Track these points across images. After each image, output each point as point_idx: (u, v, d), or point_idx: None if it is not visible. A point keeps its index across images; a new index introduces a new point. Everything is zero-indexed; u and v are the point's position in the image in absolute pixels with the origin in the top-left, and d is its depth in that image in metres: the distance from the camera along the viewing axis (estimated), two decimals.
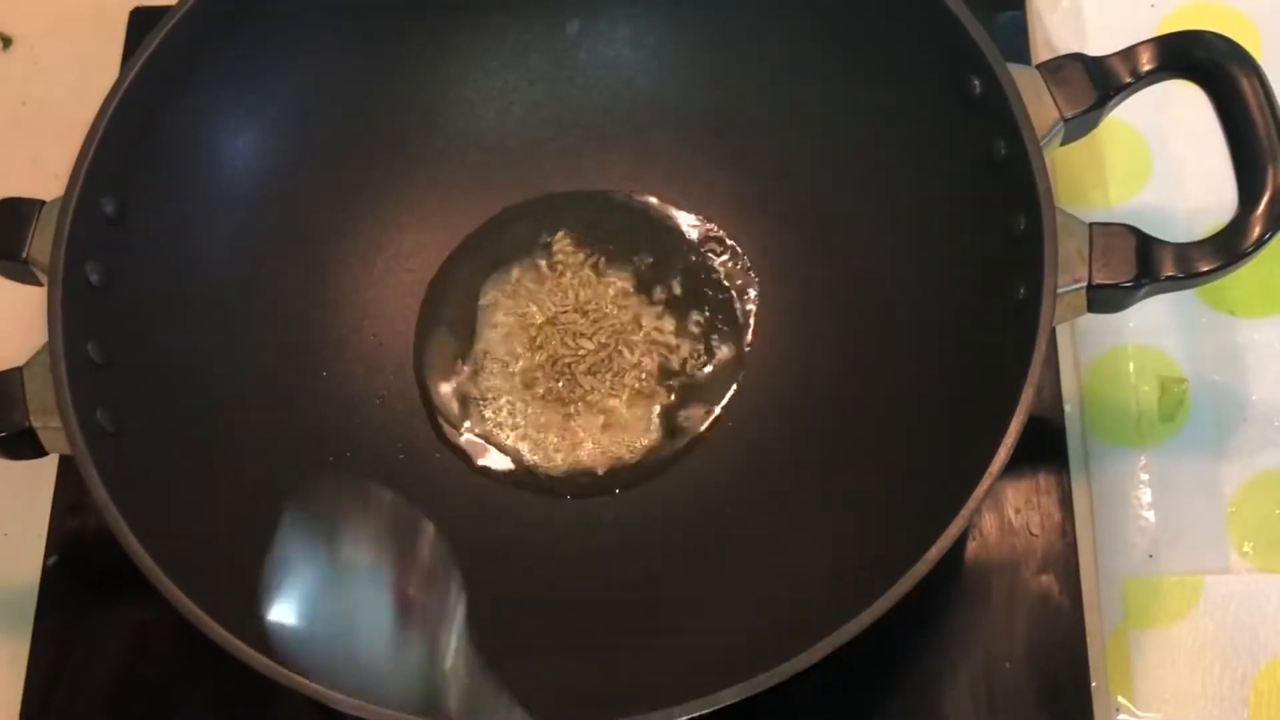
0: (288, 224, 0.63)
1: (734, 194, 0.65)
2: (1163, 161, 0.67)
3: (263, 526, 0.56)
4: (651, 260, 0.65)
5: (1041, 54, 0.69)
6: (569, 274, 0.65)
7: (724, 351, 0.63)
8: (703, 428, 0.62)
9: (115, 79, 0.57)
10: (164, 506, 0.53)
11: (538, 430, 0.63)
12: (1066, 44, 0.69)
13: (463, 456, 0.62)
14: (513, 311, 0.65)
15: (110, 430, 0.53)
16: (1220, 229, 0.53)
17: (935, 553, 0.48)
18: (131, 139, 0.57)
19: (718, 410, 0.63)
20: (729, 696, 0.47)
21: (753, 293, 0.64)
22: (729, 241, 0.65)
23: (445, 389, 0.63)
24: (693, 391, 0.63)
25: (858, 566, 0.52)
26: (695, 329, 0.64)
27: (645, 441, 0.62)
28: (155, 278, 0.58)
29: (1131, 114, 0.65)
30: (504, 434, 0.63)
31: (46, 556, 0.63)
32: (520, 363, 0.64)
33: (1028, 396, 0.50)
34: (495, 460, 0.62)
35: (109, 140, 0.56)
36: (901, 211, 0.60)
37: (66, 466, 0.64)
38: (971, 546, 0.60)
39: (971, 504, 0.49)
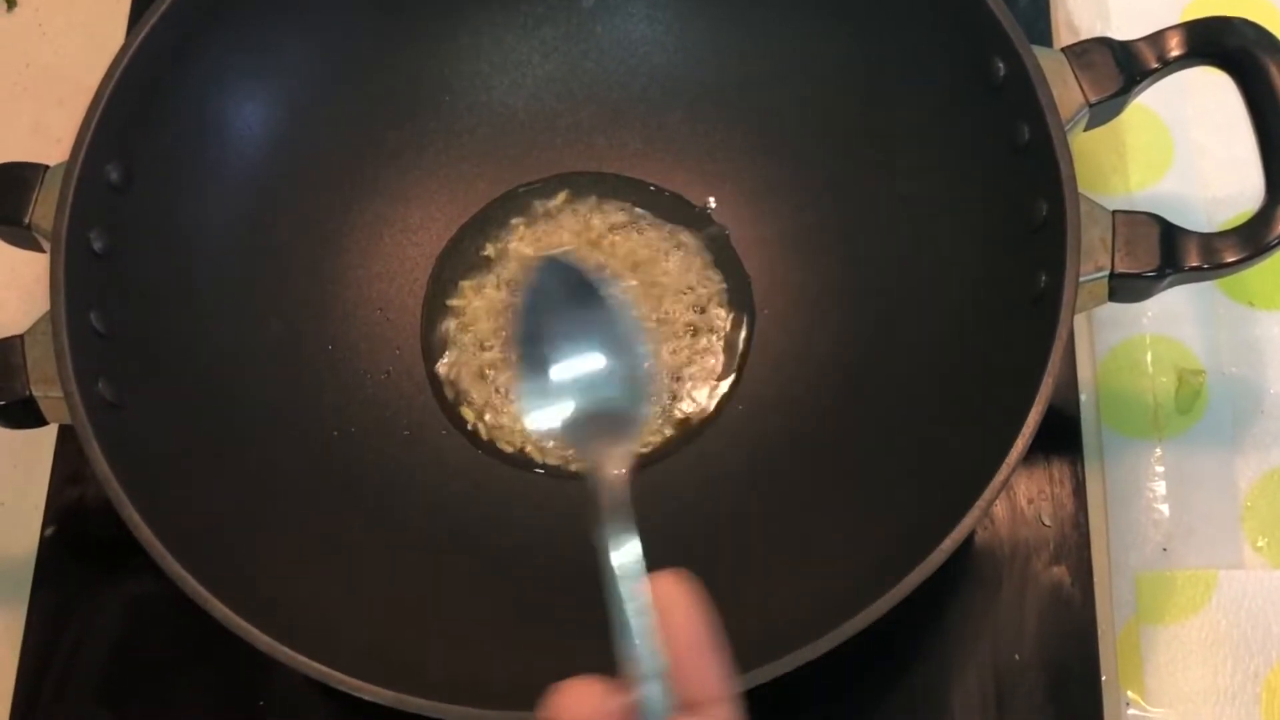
0: (294, 195, 0.62)
1: (748, 174, 0.64)
2: (1184, 149, 0.66)
3: (264, 501, 0.56)
4: (663, 240, 0.64)
5: (1063, 37, 0.68)
6: (579, 250, 0.64)
7: (735, 333, 0.63)
8: (712, 410, 0.61)
9: (120, 43, 0.57)
10: (164, 479, 0.52)
11: None
12: (1089, 27, 0.68)
13: (467, 434, 0.61)
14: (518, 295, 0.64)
15: (111, 401, 0.52)
16: (1246, 219, 0.52)
17: (949, 544, 0.47)
18: (137, 105, 0.56)
19: (726, 390, 0.62)
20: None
21: (765, 275, 0.63)
22: (742, 221, 0.64)
23: (451, 366, 0.63)
24: (703, 373, 0.62)
25: (868, 556, 0.52)
26: (706, 310, 0.63)
27: (653, 435, 0.61)
28: (160, 247, 0.57)
29: (1153, 100, 0.65)
30: (508, 414, 0.62)
31: (44, 527, 0.62)
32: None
33: (1047, 387, 0.49)
34: (500, 439, 0.61)
35: (114, 106, 0.55)
36: (920, 195, 0.59)
37: (65, 437, 0.63)
38: (982, 536, 0.60)
39: (989, 495, 0.48)
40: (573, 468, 0.61)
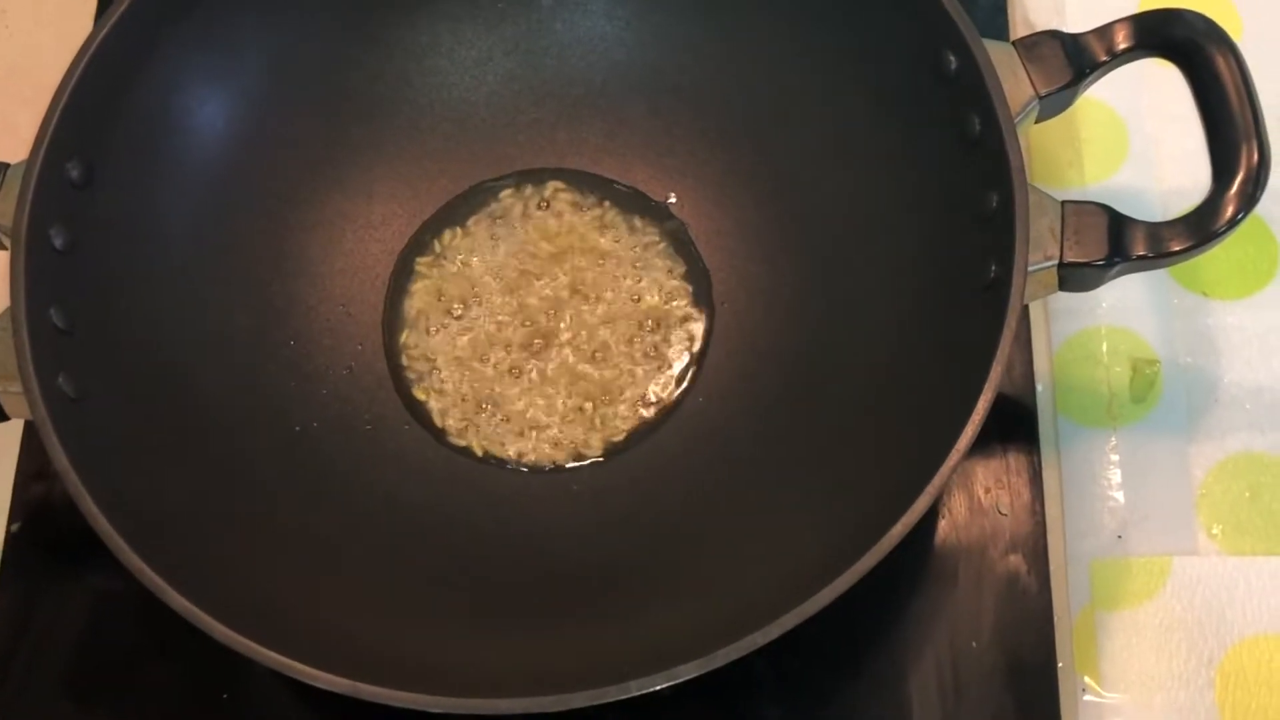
0: (255, 192, 0.62)
1: (708, 168, 0.65)
2: (1139, 141, 0.66)
3: (226, 495, 0.56)
4: (624, 233, 0.65)
5: (1020, 30, 0.69)
6: (540, 245, 0.65)
7: (694, 325, 0.63)
8: (672, 402, 0.62)
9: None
10: (125, 473, 0.53)
11: (503, 410, 0.62)
12: (1045, 20, 0.68)
13: (430, 429, 0.62)
14: (482, 285, 0.64)
15: (72, 396, 0.53)
16: (1194, 209, 0.53)
17: (899, 529, 0.48)
18: (99, 102, 0.57)
19: (687, 382, 0.62)
20: (687, 671, 0.47)
21: (723, 266, 0.64)
22: (702, 216, 0.65)
23: (413, 361, 0.63)
24: (664, 365, 0.62)
25: (824, 544, 0.52)
26: (667, 304, 0.63)
27: (612, 435, 0.62)
28: (120, 243, 0.58)
29: (1109, 93, 0.65)
30: (469, 412, 0.62)
31: (9, 523, 0.62)
32: (489, 338, 0.63)
33: (996, 375, 0.50)
34: (461, 434, 0.62)
35: (75, 103, 0.56)
36: (873, 186, 0.60)
37: (32, 432, 0.63)
38: (940, 525, 0.60)
39: (937, 481, 0.48)
40: (536, 461, 0.61)
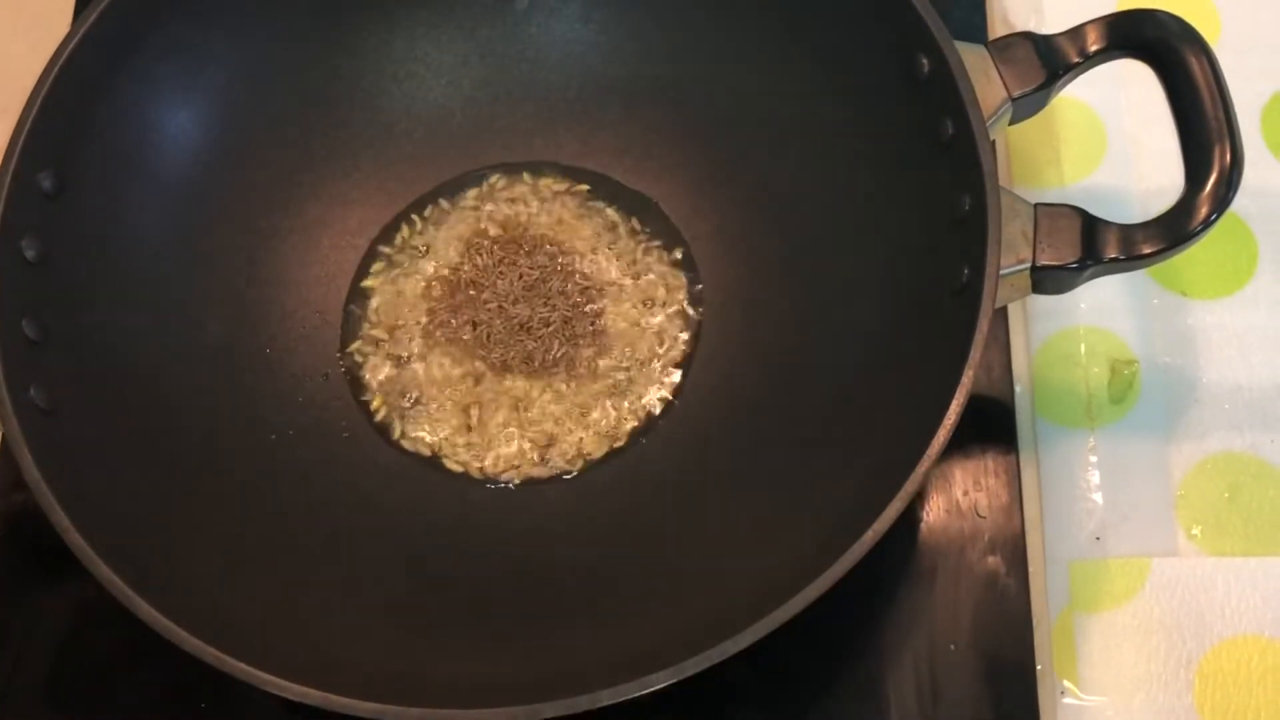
0: (231, 199, 0.62)
1: (685, 172, 0.65)
2: (1117, 141, 0.66)
3: (201, 505, 0.56)
4: (599, 239, 0.65)
5: (999, 30, 0.69)
6: (513, 253, 0.64)
7: (673, 332, 0.63)
8: (648, 411, 0.62)
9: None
10: (99, 485, 0.53)
11: (479, 420, 0.62)
12: (1024, 20, 0.68)
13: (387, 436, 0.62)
14: (458, 291, 0.64)
15: (44, 408, 0.53)
16: (1167, 210, 0.53)
17: (871, 536, 0.48)
18: (71, 113, 0.57)
19: (665, 394, 0.62)
20: (659, 680, 0.46)
21: (701, 272, 0.64)
22: (679, 219, 0.65)
23: (388, 370, 0.63)
24: (640, 374, 0.62)
25: (797, 549, 0.52)
26: (643, 310, 0.63)
27: (592, 443, 0.61)
28: (94, 253, 0.58)
29: (1087, 93, 0.65)
30: (444, 422, 0.62)
31: None
32: (464, 348, 0.63)
33: (968, 379, 0.49)
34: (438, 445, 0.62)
35: (47, 114, 0.56)
36: (849, 190, 0.60)
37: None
38: (919, 528, 0.60)
39: (909, 487, 0.48)
40: (512, 472, 0.61)
